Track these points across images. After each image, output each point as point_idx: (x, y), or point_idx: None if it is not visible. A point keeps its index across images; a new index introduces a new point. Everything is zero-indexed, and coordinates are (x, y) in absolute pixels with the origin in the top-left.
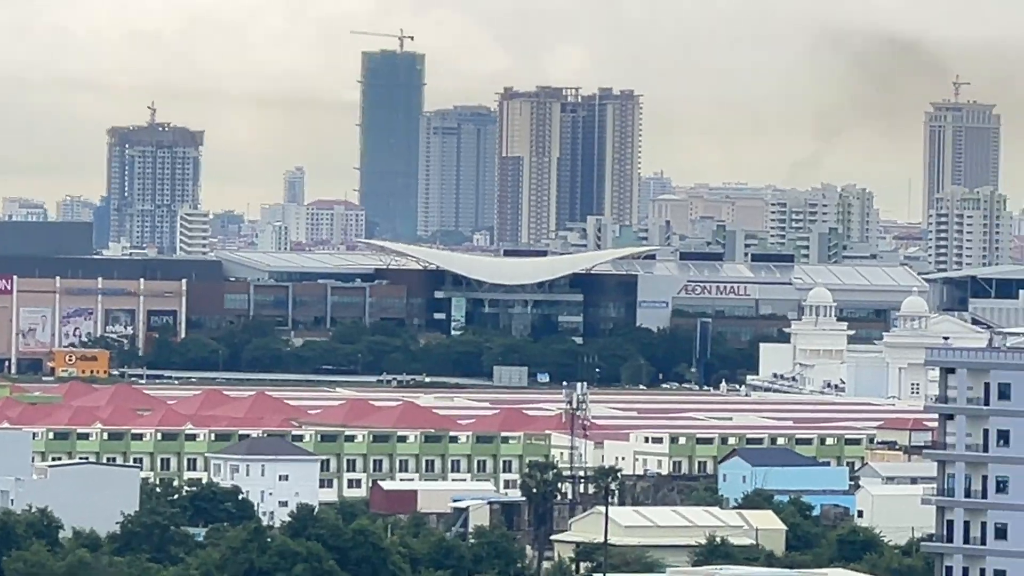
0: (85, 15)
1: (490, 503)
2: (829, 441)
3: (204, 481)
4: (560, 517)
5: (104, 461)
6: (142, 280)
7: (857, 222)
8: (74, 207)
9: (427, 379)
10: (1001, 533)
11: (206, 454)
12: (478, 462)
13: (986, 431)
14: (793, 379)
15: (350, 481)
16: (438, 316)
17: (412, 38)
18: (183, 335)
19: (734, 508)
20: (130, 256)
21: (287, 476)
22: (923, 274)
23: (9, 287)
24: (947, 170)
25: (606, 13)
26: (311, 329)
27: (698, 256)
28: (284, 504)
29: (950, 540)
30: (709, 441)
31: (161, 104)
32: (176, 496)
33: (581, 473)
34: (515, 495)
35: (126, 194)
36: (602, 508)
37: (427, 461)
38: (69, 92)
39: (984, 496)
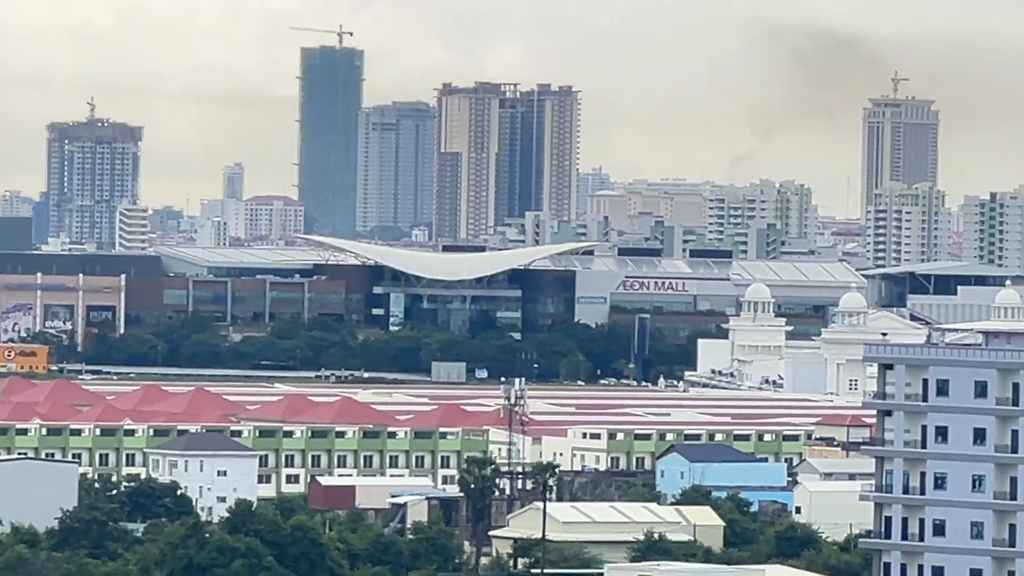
0: (22, 10)
1: (428, 499)
2: (767, 437)
3: (143, 477)
4: (498, 513)
5: (43, 456)
6: (81, 276)
7: (795, 218)
8: (13, 203)
9: (365, 375)
10: (939, 529)
11: (145, 449)
12: (416, 458)
13: (924, 427)
14: (731, 375)
15: (288, 476)
16: (376, 312)
17: (351, 34)
18: (122, 330)
19: (672, 504)
20: (69, 252)
21: (225, 471)
22: (861, 270)
23: None
24: (886, 166)
25: (544, 9)
26: (250, 325)
27: (636, 252)
28: (223, 500)
29: (888, 536)
30: (647, 437)
31: (100, 100)
32: (115, 492)
33: (519, 469)
34: (453, 491)
35: (65, 190)
36: (540, 504)
37: (365, 457)
38: (8, 88)
39: (922, 492)
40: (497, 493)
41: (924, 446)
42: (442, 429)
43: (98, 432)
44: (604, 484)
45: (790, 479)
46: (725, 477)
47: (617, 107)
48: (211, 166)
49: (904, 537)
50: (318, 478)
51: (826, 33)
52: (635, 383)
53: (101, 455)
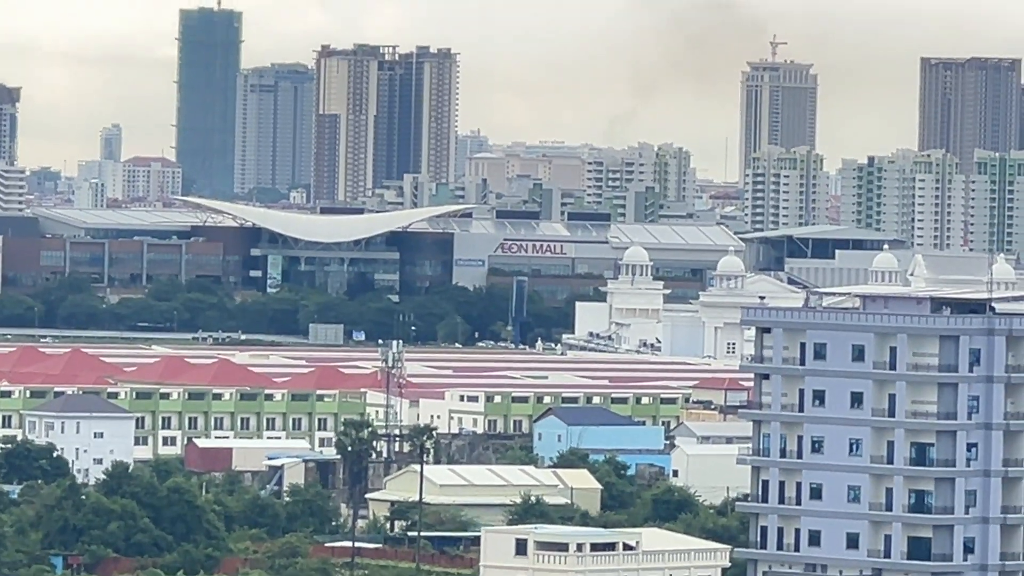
0: None
1: (305, 461)
2: (644, 400)
3: (19, 438)
4: (375, 475)
5: None
6: None
7: (674, 181)
8: None
9: (243, 336)
10: (816, 493)
11: (21, 411)
12: (293, 420)
13: (802, 391)
14: (609, 338)
15: (165, 439)
16: (254, 274)
17: None
18: None
19: (549, 467)
20: None
21: (102, 433)
22: (739, 233)
23: None
24: (764, 130)
25: None
26: (127, 286)
27: (514, 215)
28: (99, 461)
29: (765, 500)
30: (524, 400)
31: None
32: None
33: (396, 431)
34: (330, 453)
35: None
36: (417, 467)
37: (242, 419)
38: None
39: (799, 456)
40: (374, 456)
41: (801, 410)
42: (319, 392)
43: None
44: (481, 447)
45: (667, 442)
46: (602, 440)
47: (496, 70)
48: (89, 127)
49: (781, 501)
50: (195, 440)
51: None
52: (513, 346)
53: None
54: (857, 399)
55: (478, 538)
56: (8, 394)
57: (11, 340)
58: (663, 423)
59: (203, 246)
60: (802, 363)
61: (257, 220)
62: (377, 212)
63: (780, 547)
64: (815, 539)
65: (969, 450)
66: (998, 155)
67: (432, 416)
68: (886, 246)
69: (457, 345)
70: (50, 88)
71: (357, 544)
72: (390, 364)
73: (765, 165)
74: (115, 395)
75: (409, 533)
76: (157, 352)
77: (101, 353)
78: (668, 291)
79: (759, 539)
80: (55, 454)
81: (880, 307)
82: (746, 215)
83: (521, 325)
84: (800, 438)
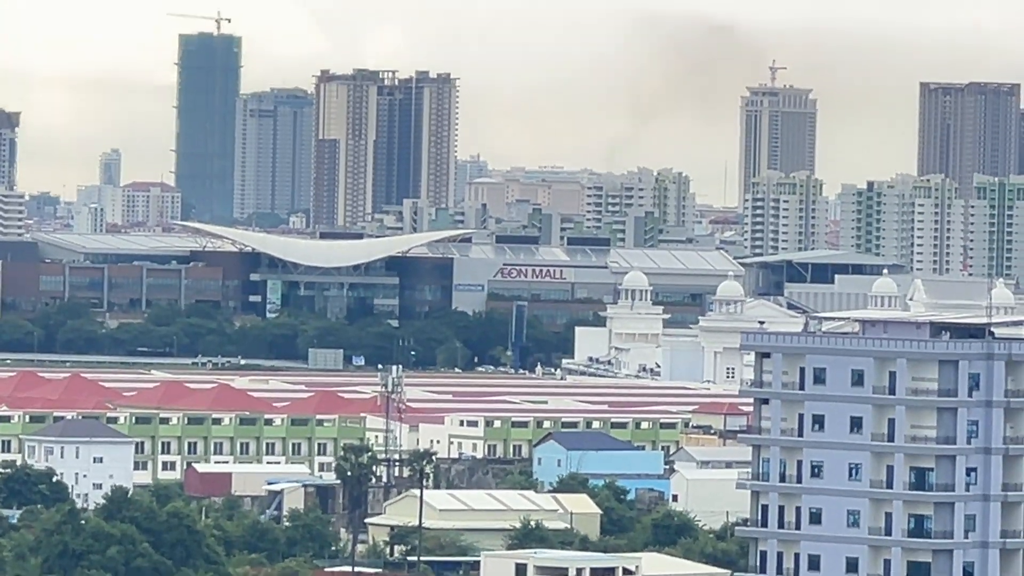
0: None
1: (304, 486)
2: (644, 425)
3: (18, 463)
4: (375, 500)
5: None
6: None
7: (673, 206)
8: None
9: (242, 361)
10: (815, 518)
11: (20, 436)
12: (293, 445)
13: (801, 416)
14: (608, 363)
15: (164, 463)
16: (253, 299)
17: (229, 20)
18: None
19: (549, 492)
20: None
21: (101, 458)
22: (739, 258)
23: None
24: (763, 155)
25: None
26: (126, 311)
27: (514, 240)
28: (98, 486)
29: (764, 524)
30: (524, 424)
31: None
32: None
33: (396, 456)
34: (330, 478)
35: None
36: (417, 491)
37: (242, 444)
38: None
39: (799, 480)
40: (374, 480)
41: (801, 434)
42: (319, 416)
43: None
44: (481, 472)
45: (667, 467)
46: (602, 465)
47: (495, 95)
48: (88, 152)
49: (781, 525)
50: (194, 465)
51: (705, 21)
52: (512, 371)
53: None
54: (856, 424)
55: (478, 563)
56: (8, 419)
57: (10, 365)
58: (662, 448)
59: (202, 271)
60: (801, 388)
61: (256, 245)
62: (376, 237)
63: (780, 572)
64: (815, 564)
65: (968, 475)
66: (997, 180)
67: (432, 441)
68: (885, 271)
69: (456, 370)
70: (49, 113)
71: (357, 569)
72: (390, 389)
73: (764, 190)
74: (114, 420)
75: (409, 558)
76: (156, 377)
77: (100, 378)
78: (667, 316)
79: (759, 564)
80: (54, 479)
81: (879, 332)
82: (745, 240)
83: (520, 350)
84: (799, 463)
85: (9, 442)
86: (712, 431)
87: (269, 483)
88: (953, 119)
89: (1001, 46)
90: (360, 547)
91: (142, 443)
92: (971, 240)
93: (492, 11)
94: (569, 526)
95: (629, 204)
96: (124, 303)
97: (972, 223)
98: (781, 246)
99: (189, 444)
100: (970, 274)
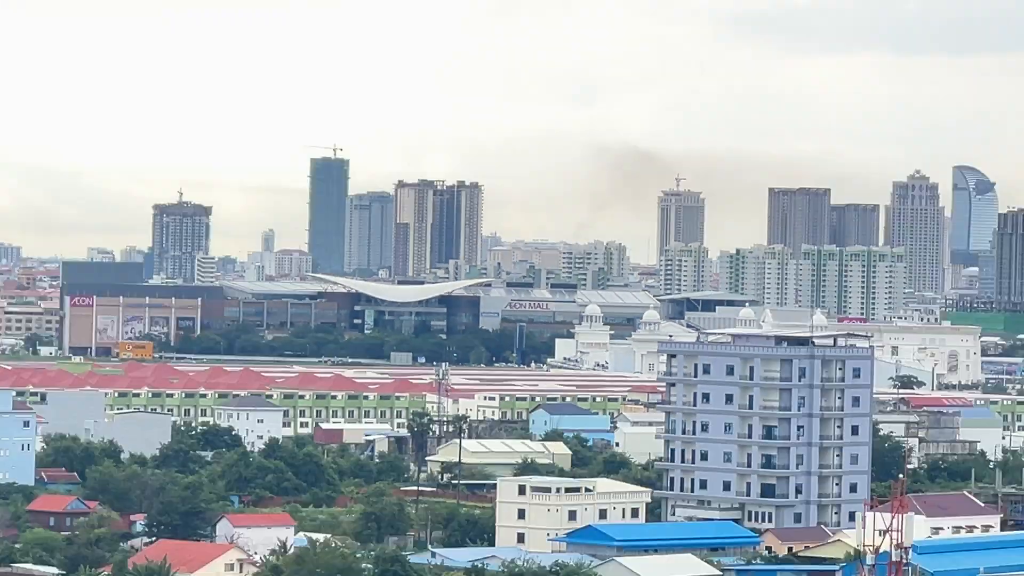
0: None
1: (388, 437)
2: (598, 399)
3: (211, 423)
4: (432, 446)
5: (150, 410)
6: (173, 299)
7: (616, 264)
8: (131, 253)
9: (350, 360)
10: (704, 456)
11: (212, 406)
12: (381, 411)
13: (695, 393)
14: (576, 361)
15: (301, 423)
16: (356, 321)
17: (342, 149)
18: (198, 333)
19: (539, 441)
20: (166, 284)
21: (262, 420)
22: (657, 296)
23: (91, 303)
24: (671, 232)
25: (460, 131)
26: (278, 329)
27: (518, 285)
28: (260, 437)
29: (672, 461)
30: (524, 399)
31: (185, 187)
32: (193, 433)
33: (444, 419)
34: (404, 432)
35: (164, 245)
36: (457, 441)
37: (349, 411)
38: (120, 178)
39: (694, 433)
40: (431, 434)
41: (695, 405)
42: (397, 394)
43: (183, 395)
44: (497, 428)
45: (612, 425)
46: (572, 424)
47: (506, 194)
48: (255, 230)
49: (682, 461)
50: (320, 424)
51: (635, 148)
52: (517, 366)
53: (185, 409)
54: (729, 398)
55: (495, 484)
56: (205, 395)
57: (206, 363)
58: (610, 413)
59: (325, 304)
60: (695, 376)
61: (358, 288)
62: (432, 283)
63: (682, 489)
64: (703, 484)
65: (799, 430)
66: (816, 247)
67: (467, 409)
68: (747, 304)
69: (482, 365)
70: (229, 205)
71: (420, 488)
72: (440, 377)
73: (672, 254)
74: (270, 396)
75: (453, 481)
76: (296, 370)
77: (262, 371)
78: (612, 332)
79: (668, 485)
80: (233, 432)
81: (744, 342)
82: (661, 285)
83: (522, 353)
84: (694, 423)
85: (205, 410)
86: (641, 403)
87: (366, 436)
88: (789, 209)
89: (821, 161)
90: (422, 474)
91: (287, 411)
92: (800, 285)
93: (504, 140)
94: (551, 462)
95: (589, 262)
96: (276, 324)
97: (800, 274)
98: (682, 288)
99: (317, 411)
100: (800, 306)
